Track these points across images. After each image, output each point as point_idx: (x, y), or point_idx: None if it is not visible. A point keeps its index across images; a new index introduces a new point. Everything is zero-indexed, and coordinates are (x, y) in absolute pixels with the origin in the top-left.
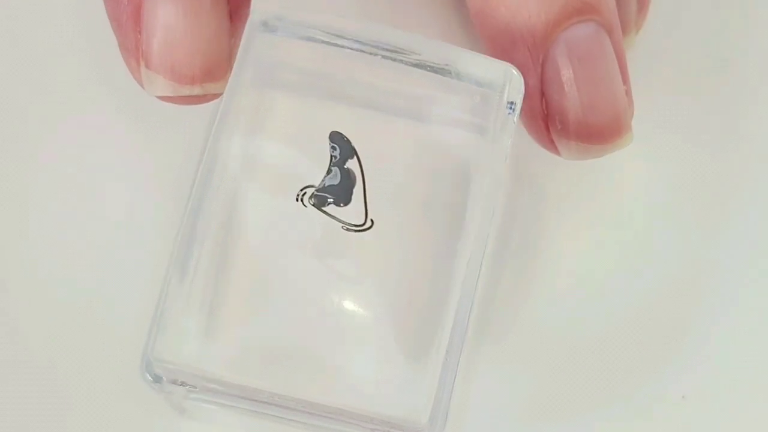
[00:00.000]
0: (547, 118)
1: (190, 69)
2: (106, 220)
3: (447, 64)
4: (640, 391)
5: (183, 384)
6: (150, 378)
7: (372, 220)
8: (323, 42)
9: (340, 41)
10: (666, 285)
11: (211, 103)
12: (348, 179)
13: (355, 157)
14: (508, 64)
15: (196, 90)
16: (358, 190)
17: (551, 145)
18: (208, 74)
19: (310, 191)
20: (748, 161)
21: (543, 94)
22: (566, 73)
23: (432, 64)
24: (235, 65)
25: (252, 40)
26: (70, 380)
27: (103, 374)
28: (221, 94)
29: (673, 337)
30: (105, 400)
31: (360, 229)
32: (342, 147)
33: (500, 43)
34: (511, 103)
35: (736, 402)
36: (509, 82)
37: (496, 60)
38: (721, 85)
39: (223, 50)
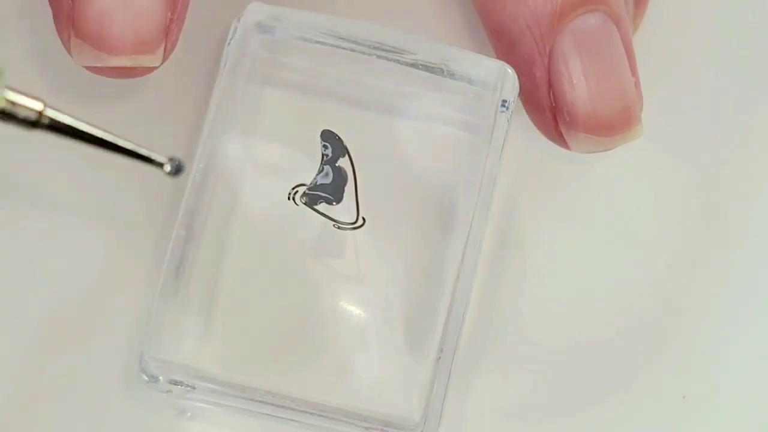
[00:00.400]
0: (555, 111)
1: (120, 40)
2: (103, 219)
3: (441, 63)
4: (640, 391)
5: (179, 383)
6: (146, 378)
7: (363, 219)
8: (318, 42)
9: (334, 41)
10: (666, 285)
11: (205, 102)
12: (340, 177)
13: (346, 156)
14: (502, 63)
15: (125, 61)
16: (349, 189)
17: (560, 138)
18: (138, 46)
19: (302, 190)
20: (748, 159)
21: (551, 86)
22: (574, 64)
23: (426, 63)
24: (229, 64)
25: (247, 39)
26: (71, 380)
27: (104, 374)
28: (155, 68)
29: (673, 337)
30: (105, 400)
31: (352, 227)
32: (334, 145)
33: (506, 35)
34: (505, 101)
35: (736, 402)
36: (503, 80)
37: (490, 58)
38: (721, 83)
39: (158, 23)
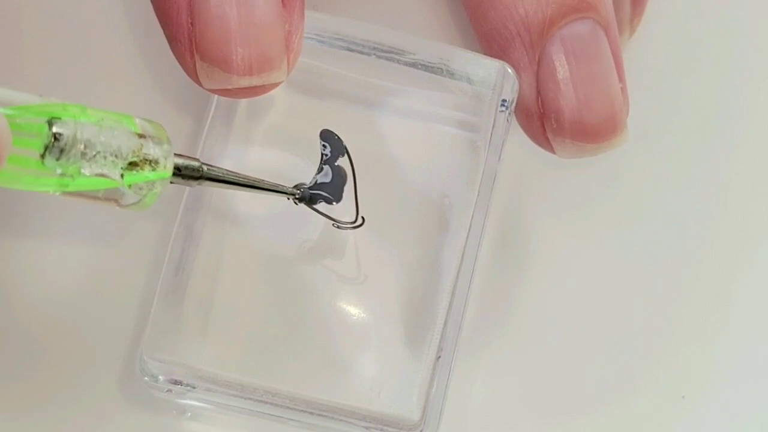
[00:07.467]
0: (542, 116)
1: (247, 59)
2: (103, 218)
3: (440, 63)
4: (640, 391)
5: (179, 383)
6: (146, 378)
7: (363, 218)
8: (318, 42)
9: (334, 41)
10: (666, 285)
11: (204, 101)
12: (339, 177)
13: (346, 155)
14: (503, 63)
15: (255, 80)
16: (349, 188)
17: (546, 144)
18: (266, 63)
19: (301, 189)
20: (746, 161)
21: (539, 92)
22: (562, 71)
23: (426, 63)
24: None
25: None
26: (71, 380)
27: (103, 374)
28: (281, 83)
29: (673, 337)
30: (105, 400)
31: (351, 226)
32: (333, 145)
33: (496, 41)
34: (505, 101)
35: (736, 402)
36: (503, 80)
37: (491, 58)
38: (720, 84)
39: (279, 37)
